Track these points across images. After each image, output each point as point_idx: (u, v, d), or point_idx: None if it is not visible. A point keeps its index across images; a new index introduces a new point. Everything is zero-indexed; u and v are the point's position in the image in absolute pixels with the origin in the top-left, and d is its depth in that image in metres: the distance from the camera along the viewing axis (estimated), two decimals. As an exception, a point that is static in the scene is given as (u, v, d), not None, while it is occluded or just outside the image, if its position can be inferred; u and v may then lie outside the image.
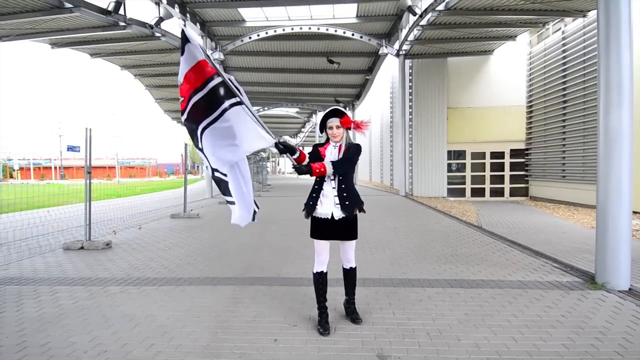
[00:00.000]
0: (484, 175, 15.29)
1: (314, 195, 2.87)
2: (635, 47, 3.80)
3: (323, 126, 2.93)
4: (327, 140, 2.93)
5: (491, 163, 15.22)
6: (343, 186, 2.84)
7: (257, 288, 3.89)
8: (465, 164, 15.31)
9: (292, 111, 31.76)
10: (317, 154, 2.90)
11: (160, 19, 11.88)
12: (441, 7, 10.24)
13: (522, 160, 15.04)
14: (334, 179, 2.84)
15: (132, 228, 7.77)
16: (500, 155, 15.19)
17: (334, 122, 2.84)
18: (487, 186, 15.30)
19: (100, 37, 12.23)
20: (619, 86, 3.66)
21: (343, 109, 2.95)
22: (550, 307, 3.29)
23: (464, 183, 15.30)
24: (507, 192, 15.20)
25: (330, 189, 2.85)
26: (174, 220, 8.92)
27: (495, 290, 3.77)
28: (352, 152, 2.88)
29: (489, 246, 5.78)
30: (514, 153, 15.14)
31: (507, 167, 15.18)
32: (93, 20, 10.27)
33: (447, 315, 3.16)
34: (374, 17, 14.22)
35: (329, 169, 2.75)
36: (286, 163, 66.36)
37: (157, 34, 12.18)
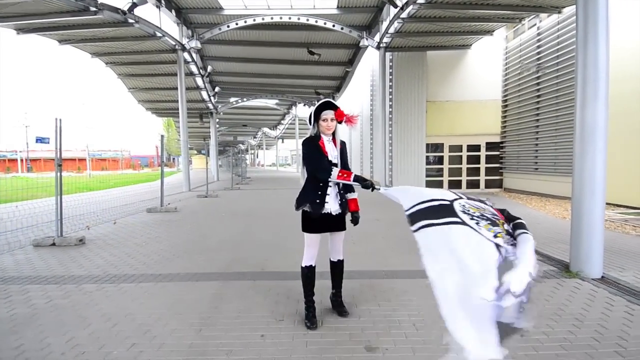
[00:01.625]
0: (461, 168, 15.61)
1: (320, 193, 2.81)
2: (611, 43, 3.90)
3: (316, 118, 2.86)
4: (317, 133, 2.87)
5: (467, 156, 15.55)
6: (341, 184, 2.89)
7: (241, 283, 3.83)
8: (443, 156, 15.58)
9: (271, 103, 31.34)
10: (321, 150, 2.85)
11: (134, 5, 11.38)
12: (421, 0, 10.27)
13: (497, 153, 15.44)
14: None
15: (107, 223, 7.50)
16: (476, 148, 15.52)
17: (329, 114, 2.80)
18: (464, 178, 15.64)
19: (70, 23, 11.57)
20: (596, 81, 3.77)
21: (335, 103, 2.91)
22: (529, 296, 3.39)
23: (442, 175, 15.58)
24: (482, 183, 15.59)
25: (334, 186, 2.86)
26: (151, 215, 8.67)
27: (476, 280, 3.85)
28: (345, 155, 2.97)
29: (468, 237, 5.90)
30: (489, 146, 15.50)
31: (482, 159, 15.54)
32: (62, 4, 9.71)
33: (432, 306, 3.18)
34: (355, 9, 14.14)
35: (356, 194, 3.00)
36: (265, 156, 65.70)
37: (130, 20, 11.65)
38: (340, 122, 2.86)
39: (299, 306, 3.17)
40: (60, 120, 5.44)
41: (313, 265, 2.93)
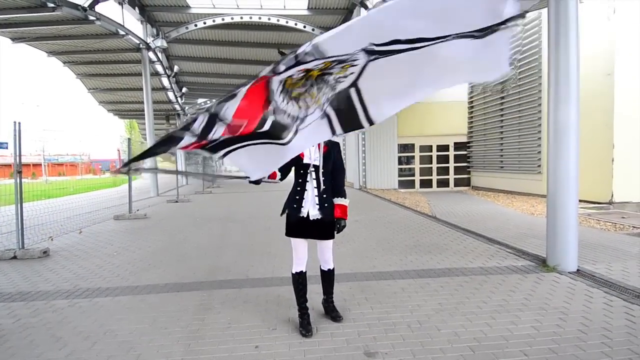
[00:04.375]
0: (431, 167, 16.03)
1: (297, 197, 2.75)
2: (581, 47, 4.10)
3: None
4: None
5: (437, 155, 16.00)
6: (324, 187, 2.76)
7: (226, 292, 3.69)
8: (414, 156, 15.93)
9: (240, 104, 30.79)
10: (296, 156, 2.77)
11: (95, 1, 10.80)
12: (392, 2, 10.44)
13: (465, 152, 15.99)
14: (315, 178, 2.75)
15: (72, 232, 7.05)
16: (445, 148, 16.00)
17: None
18: (434, 177, 16.07)
19: (25, 20, 10.80)
20: (567, 83, 3.95)
21: None
22: (513, 291, 3.49)
23: (413, 175, 15.93)
24: (452, 182, 16.08)
25: (312, 189, 2.75)
26: (119, 222, 8.24)
27: (461, 278, 3.93)
28: (338, 157, 2.86)
29: (447, 235, 6.04)
30: (457, 146, 16.02)
31: (451, 159, 16.04)
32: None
33: (422, 305, 3.22)
34: (326, 10, 14.19)
35: (346, 201, 2.82)
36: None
37: (91, 18, 11.05)
38: None
39: (290, 313, 3.08)
40: (20, 123, 5.04)
41: (303, 271, 2.86)
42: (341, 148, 17.61)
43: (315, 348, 2.55)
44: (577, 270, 3.98)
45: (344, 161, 19.79)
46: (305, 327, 2.74)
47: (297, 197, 2.75)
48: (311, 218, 2.72)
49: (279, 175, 2.77)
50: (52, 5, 9.40)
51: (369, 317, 3.01)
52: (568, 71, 3.95)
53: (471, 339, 2.62)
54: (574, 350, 2.43)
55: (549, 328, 2.74)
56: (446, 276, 3.99)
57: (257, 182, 2.48)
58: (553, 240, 4.14)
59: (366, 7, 11.66)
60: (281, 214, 2.83)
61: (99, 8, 11.24)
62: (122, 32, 12.81)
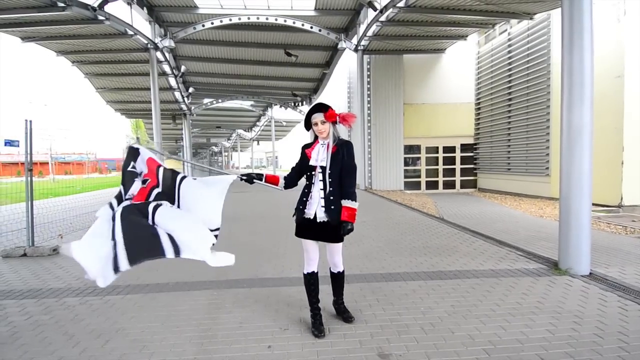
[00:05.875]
0: (437, 169, 15.96)
1: (304, 199, 2.74)
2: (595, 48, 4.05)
3: (308, 124, 2.80)
4: (315, 138, 2.80)
5: (444, 157, 15.93)
6: (331, 189, 2.67)
7: (236, 291, 3.68)
8: (420, 158, 15.88)
9: (246, 104, 30.88)
10: (304, 157, 2.79)
11: (105, 1, 10.86)
12: (401, 4, 10.42)
13: (471, 154, 15.90)
14: (322, 180, 2.69)
15: (81, 230, 7.08)
16: (452, 149, 15.93)
17: (318, 117, 2.71)
18: (440, 179, 16.00)
19: (35, 19, 10.89)
20: (581, 85, 3.91)
21: (327, 104, 2.81)
22: (526, 294, 3.45)
23: (420, 176, 15.87)
24: (458, 184, 16.01)
25: (318, 191, 2.71)
26: (127, 220, 8.25)
27: (472, 280, 3.90)
28: (347, 157, 2.71)
29: (455, 237, 6.00)
30: (464, 147, 15.94)
31: (457, 160, 15.97)
32: (27, -1, 9.14)
33: (434, 308, 3.19)
34: (333, 11, 14.18)
35: (354, 204, 2.68)
36: (240, 158, 64.76)
37: (101, 17, 11.12)
38: (334, 123, 2.77)
39: (301, 313, 3.07)
40: (31, 122, 5.07)
41: (315, 271, 2.84)
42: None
43: (328, 349, 2.53)
44: (590, 273, 3.93)
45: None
46: (317, 328, 2.73)
47: (304, 199, 2.74)
48: (318, 220, 2.69)
49: (282, 182, 2.85)
50: (62, 4, 9.47)
51: (381, 318, 3.00)
52: (582, 72, 3.91)
53: (486, 342, 2.59)
54: (591, 355, 2.40)
55: (564, 332, 2.71)
56: (457, 278, 3.96)
57: (249, 181, 2.77)
58: (565, 243, 4.10)
59: (375, 9, 11.64)
60: (293, 215, 2.81)
61: (108, 8, 11.30)
62: (130, 32, 12.87)
